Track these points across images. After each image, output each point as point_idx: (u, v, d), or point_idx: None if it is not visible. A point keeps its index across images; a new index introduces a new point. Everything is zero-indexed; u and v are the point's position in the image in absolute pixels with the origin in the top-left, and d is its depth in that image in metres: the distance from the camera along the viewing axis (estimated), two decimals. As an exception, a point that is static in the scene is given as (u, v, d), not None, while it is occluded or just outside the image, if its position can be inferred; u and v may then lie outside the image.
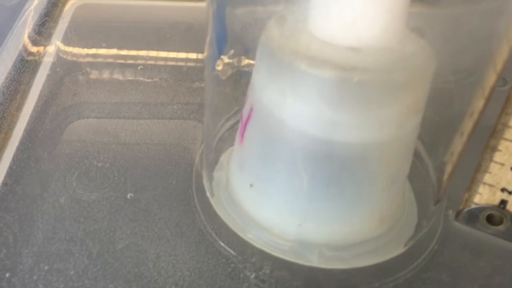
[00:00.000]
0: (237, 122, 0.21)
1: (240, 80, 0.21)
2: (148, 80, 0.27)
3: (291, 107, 0.17)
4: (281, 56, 0.17)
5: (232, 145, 0.22)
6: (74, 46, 0.30)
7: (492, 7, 0.17)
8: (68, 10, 0.32)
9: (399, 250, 0.20)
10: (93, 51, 0.30)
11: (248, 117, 0.19)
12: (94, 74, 0.28)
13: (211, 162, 0.22)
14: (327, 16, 0.17)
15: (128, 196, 0.22)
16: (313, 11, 0.17)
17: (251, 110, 0.19)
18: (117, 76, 0.28)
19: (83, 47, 0.30)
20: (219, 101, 0.22)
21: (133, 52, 0.29)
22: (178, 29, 0.32)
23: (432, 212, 0.21)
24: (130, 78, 0.27)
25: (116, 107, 0.26)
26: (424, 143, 0.22)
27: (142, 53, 0.29)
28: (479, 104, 0.19)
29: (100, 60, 0.29)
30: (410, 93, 0.18)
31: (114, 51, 0.29)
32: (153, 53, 0.29)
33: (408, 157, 0.19)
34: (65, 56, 0.29)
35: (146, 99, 0.26)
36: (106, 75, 0.28)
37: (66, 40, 0.30)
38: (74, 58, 0.29)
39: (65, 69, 0.28)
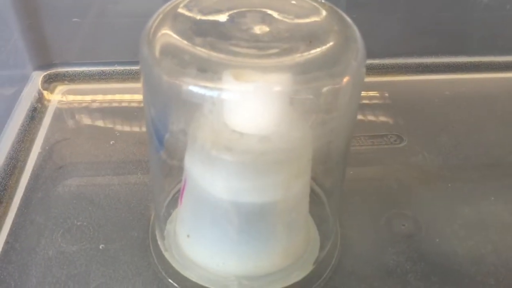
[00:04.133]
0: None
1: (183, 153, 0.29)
2: (119, 153, 0.35)
3: (209, 180, 0.24)
4: (200, 143, 0.24)
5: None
6: (58, 126, 0.38)
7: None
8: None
9: (301, 276, 0.27)
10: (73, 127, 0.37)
11: (184, 185, 0.26)
12: (75, 147, 0.35)
13: (162, 217, 0.29)
14: (235, 113, 0.24)
15: (100, 247, 0.28)
16: (226, 110, 0.24)
17: (185, 179, 0.26)
18: (93, 150, 0.35)
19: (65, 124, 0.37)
20: (165, 172, 0.29)
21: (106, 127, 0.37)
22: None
23: (328, 244, 0.28)
24: (104, 152, 0.35)
25: (92, 175, 0.33)
26: (322, 188, 0.30)
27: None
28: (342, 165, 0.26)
29: (82, 135, 0.37)
30: (294, 165, 0.25)
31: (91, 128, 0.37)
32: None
33: (301, 208, 0.26)
34: (51, 132, 0.36)
35: (116, 169, 0.33)
36: (84, 148, 0.35)
37: (53, 121, 0.38)
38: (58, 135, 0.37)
39: (52, 143, 0.35)
